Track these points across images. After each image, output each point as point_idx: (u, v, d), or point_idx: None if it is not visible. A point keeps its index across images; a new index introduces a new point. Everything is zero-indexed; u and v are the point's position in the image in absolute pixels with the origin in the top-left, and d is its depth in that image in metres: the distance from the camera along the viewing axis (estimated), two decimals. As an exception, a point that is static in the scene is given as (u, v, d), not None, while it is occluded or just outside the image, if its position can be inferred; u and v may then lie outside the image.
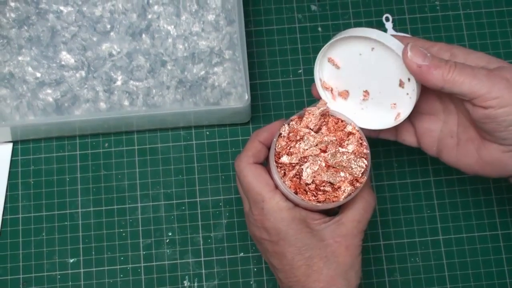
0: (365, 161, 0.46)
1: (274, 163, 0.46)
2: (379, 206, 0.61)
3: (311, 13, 0.66)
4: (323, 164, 0.46)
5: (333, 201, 0.45)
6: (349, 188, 0.45)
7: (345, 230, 0.46)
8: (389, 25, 0.66)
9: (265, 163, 0.48)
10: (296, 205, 0.47)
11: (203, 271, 0.59)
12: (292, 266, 0.46)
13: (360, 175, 0.46)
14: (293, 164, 0.46)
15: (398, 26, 0.66)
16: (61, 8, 0.63)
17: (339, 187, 0.45)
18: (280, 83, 0.64)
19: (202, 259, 0.60)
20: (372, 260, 0.59)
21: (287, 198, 0.46)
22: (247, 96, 0.58)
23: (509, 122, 0.42)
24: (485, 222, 0.60)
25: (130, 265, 0.59)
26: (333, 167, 0.46)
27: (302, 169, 0.46)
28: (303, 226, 0.46)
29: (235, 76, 0.62)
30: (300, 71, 0.65)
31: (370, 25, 0.65)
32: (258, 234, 0.48)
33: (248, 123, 0.63)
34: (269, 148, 0.48)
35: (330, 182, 0.45)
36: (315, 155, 0.46)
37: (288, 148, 0.46)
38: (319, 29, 0.66)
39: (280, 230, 0.46)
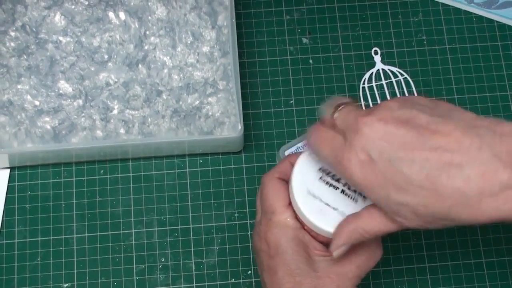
0: None
1: (294, 182, 0.47)
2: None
3: (302, 46, 0.68)
4: None
5: None
6: None
7: (341, 269, 0.46)
8: (377, 58, 0.68)
9: None
10: (303, 228, 0.47)
11: (195, 296, 0.61)
12: (280, 286, 0.46)
13: None
14: None
15: (387, 59, 0.68)
16: (60, 38, 0.65)
17: None
18: (272, 113, 0.66)
19: (194, 284, 0.61)
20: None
21: (297, 219, 0.47)
22: (240, 126, 0.60)
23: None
24: (470, 251, 0.62)
25: (123, 290, 0.61)
26: None
27: None
28: (303, 250, 0.46)
29: (228, 106, 0.63)
30: (291, 101, 0.67)
31: (359, 58, 0.68)
32: (258, 245, 0.48)
33: (240, 152, 0.65)
34: None
35: None
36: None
37: None
38: (310, 61, 0.68)
39: (280, 245, 0.46)
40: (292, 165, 0.48)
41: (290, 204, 0.48)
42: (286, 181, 0.48)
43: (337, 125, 0.42)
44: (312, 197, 0.47)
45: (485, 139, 0.37)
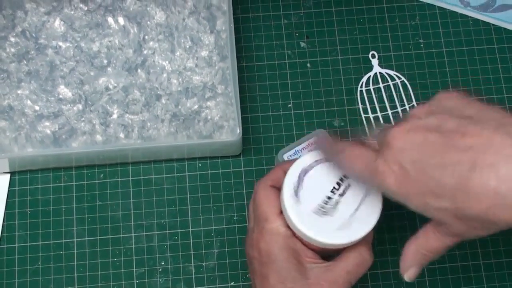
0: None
1: (285, 191, 0.48)
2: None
3: (300, 50, 0.69)
4: None
5: None
6: None
7: (332, 276, 0.47)
8: (375, 61, 0.68)
9: None
10: (295, 235, 0.48)
11: (195, 299, 0.61)
12: None
13: None
14: None
15: (384, 62, 0.68)
16: (60, 43, 0.65)
17: None
18: (270, 116, 0.67)
19: (194, 287, 0.61)
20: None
21: (288, 227, 0.48)
22: (238, 130, 0.60)
23: None
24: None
25: (123, 294, 0.61)
26: None
27: None
28: (294, 258, 0.47)
29: (227, 110, 0.64)
30: (289, 105, 0.67)
31: (357, 62, 0.68)
32: (251, 252, 0.49)
33: (239, 156, 0.65)
34: None
35: None
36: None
37: None
38: (308, 65, 0.68)
39: (271, 253, 0.47)
40: (285, 173, 0.49)
41: (281, 212, 0.48)
42: (278, 189, 0.49)
43: (370, 144, 0.44)
44: (302, 206, 0.47)
45: None
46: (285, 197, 0.47)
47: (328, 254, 0.49)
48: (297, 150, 0.62)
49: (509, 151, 0.36)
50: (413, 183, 0.39)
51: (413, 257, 0.45)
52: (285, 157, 0.62)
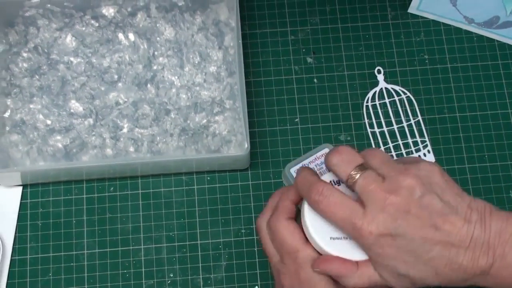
0: None
1: (307, 219, 0.48)
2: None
3: (307, 65, 0.70)
4: None
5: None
6: None
7: None
8: (380, 77, 0.70)
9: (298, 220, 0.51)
10: None
11: (203, 311, 0.62)
12: None
13: None
14: None
15: (389, 78, 0.69)
16: (71, 59, 0.67)
17: None
18: (277, 131, 0.68)
19: (202, 299, 0.63)
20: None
21: (318, 252, 0.49)
22: (246, 145, 0.61)
23: None
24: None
25: (132, 305, 0.62)
26: None
27: None
28: (331, 280, 0.48)
29: (235, 124, 0.65)
30: (296, 120, 0.68)
31: (362, 77, 0.69)
32: (289, 283, 0.49)
33: (247, 169, 0.66)
34: (296, 205, 0.50)
35: None
36: None
37: None
38: (315, 80, 0.70)
39: (312, 279, 0.48)
40: (292, 202, 0.50)
41: (307, 240, 0.49)
42: (292, 218, 0.50)
43: (355, 190, 0.46)
44: (325, 231, 0.48)
45: (477, 228, 0.43)
46: (308, 225, 0.48)
47: None
48: (304, 164, 0.64)
49: (469, 242, 0.43)
50: (393, 248, 0.44)
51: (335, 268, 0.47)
52: (293, 171, 0.63)
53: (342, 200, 0.46)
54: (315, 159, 0.64)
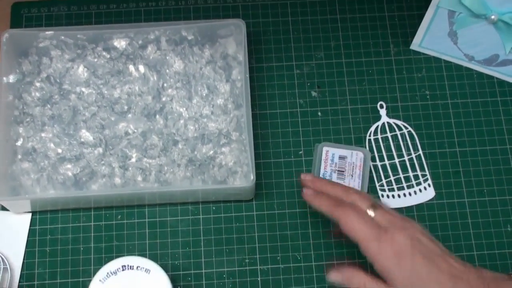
0: None
1: None
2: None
3: (311, 99, 0.72)
4: None
5: None
6: None
7: None
8: (383, 111, 0.71)
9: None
10: None
11: None
12: None
13: None
14: None
15: (392, 112, 0.71)
16: (83, 89, 0.68)
17: None
18: (282, 163, 0.69)
19: (206, 328, 0.64)
20: None
21: None
22: (252, 177, 0.63)
23: None
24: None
25: (137, 333, 0.63)
26: None
27: None
28: None
29: (241, 156, 0.67)
30: (300, 152, 0.70)
31: (365, 111, 0.71)
32: None
33: (252, 200, 0.68)
34: None
35: None
36: None
37: None
38: (319, 113, 0.71)
39: None
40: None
41: None
42: None
43: (375, 219, 0.55)
44: None
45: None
46: None
47: None
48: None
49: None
50: (406, 266, 0.53)
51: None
52: (324, 150, 0.69)
53: (367, 219, 0.56)
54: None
